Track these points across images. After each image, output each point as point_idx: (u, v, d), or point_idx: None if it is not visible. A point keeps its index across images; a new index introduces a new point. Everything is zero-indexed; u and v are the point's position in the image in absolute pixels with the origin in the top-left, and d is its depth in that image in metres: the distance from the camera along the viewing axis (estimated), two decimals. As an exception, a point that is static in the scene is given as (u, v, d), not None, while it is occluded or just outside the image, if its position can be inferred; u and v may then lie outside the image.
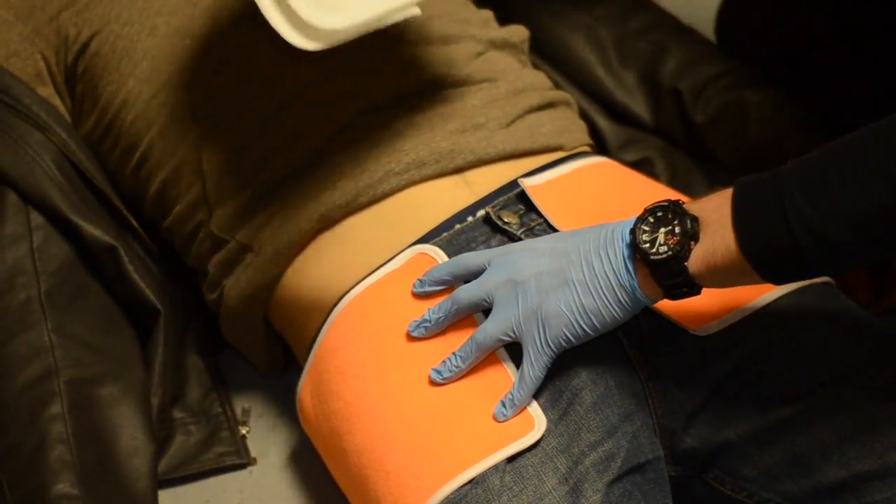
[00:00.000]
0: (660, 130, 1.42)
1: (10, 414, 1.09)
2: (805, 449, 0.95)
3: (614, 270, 0.90)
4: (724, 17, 1.47)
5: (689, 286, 0.88)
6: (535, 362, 0.93)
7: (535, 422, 0.94)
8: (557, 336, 0.92)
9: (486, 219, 1.06)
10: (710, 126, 1.38)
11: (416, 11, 0.99)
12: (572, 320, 0.91)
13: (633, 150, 1.39)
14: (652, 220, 0.89)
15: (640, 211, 0.92)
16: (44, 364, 1.11)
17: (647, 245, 0.88)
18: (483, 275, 0.96)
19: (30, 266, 1.15)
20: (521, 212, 1.06)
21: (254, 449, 1.22)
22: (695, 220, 0.87)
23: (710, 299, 0.94)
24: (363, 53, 1.13)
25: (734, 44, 1.46)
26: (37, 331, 1.12)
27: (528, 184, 1.06)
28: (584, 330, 0.91)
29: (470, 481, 0.93)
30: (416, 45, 1.16)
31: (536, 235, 1.03)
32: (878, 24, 1.32)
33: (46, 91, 1.22)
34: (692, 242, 0.86)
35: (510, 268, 0.94)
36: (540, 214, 1.05)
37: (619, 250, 0.90)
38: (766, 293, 1.00)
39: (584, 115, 1.34)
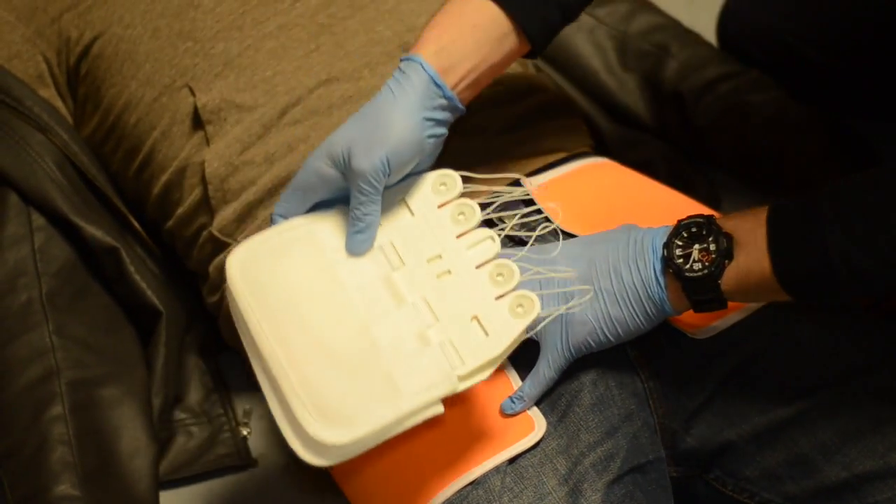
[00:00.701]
0: (661, 133, 1.42)
1: (11, 415, 1.09)
2: (806, 449, 0.96)
3: (644, 283, 0.90)
4: (726, 21, 1.47)
5: (719, 302, 0.89)
6: (553, 364, 0.93)
7: (535, 423, 0.94)
8: (580, 342, 0.92)
9: (488, 220, 1.05)
10: (711, 129, 1.39)
11: (439, 410, 0.86)
12: (597, 328, 0.91)
13: (634, 152, 1.39)
14: (685, 235, 0.89)
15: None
16: (45, 365, 1.11)
17: (681, 261, 0.88)
18: None
19: (31, 267, 1.15)
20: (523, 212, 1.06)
21: (255, 450, 1.22)
22: (729, 238, 0.87)
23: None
24: (364, 61, 1.13)
25: (735, 47, 1.46)
26: (38, 332, 1.12)
27: (530, 184, 1.06)
28: (607, 338, 0.92)
29: (471, 483, 0.93)
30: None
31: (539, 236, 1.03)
32: (878, 26, 1.32)
33: (48, 92, 1.22)
34: (726, 261, 0.87)
35: None
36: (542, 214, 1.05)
37: (650, 263, 0.90)
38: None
39: (585, 117, 1.34)
